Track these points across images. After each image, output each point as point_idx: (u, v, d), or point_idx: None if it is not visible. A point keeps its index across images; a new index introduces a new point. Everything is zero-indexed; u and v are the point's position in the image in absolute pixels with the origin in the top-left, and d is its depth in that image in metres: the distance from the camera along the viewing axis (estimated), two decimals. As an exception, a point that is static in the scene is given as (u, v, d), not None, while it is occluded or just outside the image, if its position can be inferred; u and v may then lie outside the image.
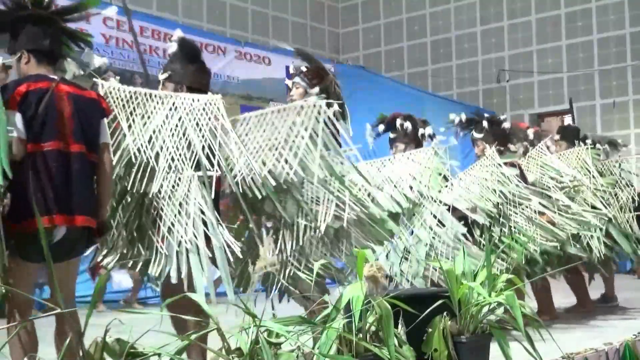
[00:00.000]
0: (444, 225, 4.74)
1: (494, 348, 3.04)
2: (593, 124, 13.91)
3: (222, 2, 14.53)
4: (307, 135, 3.65)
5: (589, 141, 6.78)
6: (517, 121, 7.46)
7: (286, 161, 3.59)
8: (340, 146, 3.93)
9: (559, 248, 5.29)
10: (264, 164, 3.61)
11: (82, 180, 3.07)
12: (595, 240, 5.71)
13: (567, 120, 15.07)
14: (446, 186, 4.94)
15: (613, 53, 13.98)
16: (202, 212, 3.26)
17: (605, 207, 5.88)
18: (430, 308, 2.94)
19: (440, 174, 4.95)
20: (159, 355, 2.16)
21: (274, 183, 3.51)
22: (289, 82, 4.40)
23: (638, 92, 13.75)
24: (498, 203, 5.19)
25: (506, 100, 15.05)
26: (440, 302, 2.97)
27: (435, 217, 4.75)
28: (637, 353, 4.18)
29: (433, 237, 4.68)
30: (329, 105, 3.96)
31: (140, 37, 9.85)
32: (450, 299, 3.02)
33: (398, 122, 5.32)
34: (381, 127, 5.45)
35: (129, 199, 3.48)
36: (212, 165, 3.39)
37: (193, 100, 3.69)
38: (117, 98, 3.67)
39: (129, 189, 3.40)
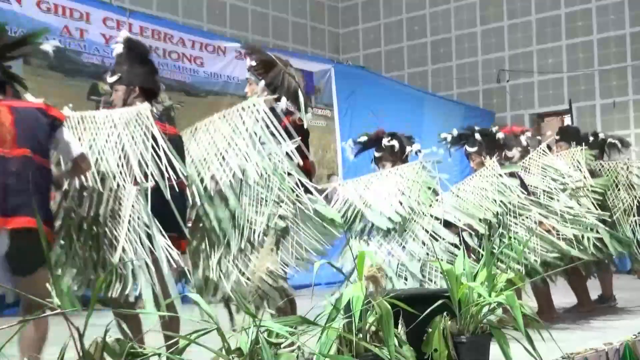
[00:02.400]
0: (436, 240, 4.68)
1: (494, 348, 3.04)
2: (593, 124, 13.90)
3: (222, 2, 14.53)
4: (247, 136, 3.59)
5: (601, 135, 6.79)
6: (510, 125, 7.38)
7: (228, 165, 3.54)
8: (291, 139, 3.80)
9: (560, 258, 5.24)
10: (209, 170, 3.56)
11: (23, 182, 3.03)
12: (590, 241, 5.69)
13: (567, 120, 15.09)
14: (436, 200, 4.89)
15: (613, 53, 13.97)
16: (147, 226, 3.21)
17: (596, 208, 5.85)
18: (430, 308, 2.94)
19: (429, 188, 4.91)
20: (159, 355, 2.16)
21: (211, 191, 3.46)
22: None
23: (638, 92, 13.75)
24: (498, 213, 5.15)
25: (506, 100, 15.04)
26: (440, 302, 2.97)
27: (427, 231, 4.69)
28: (637, 353, 4.18)
29: (427, 253, 4.62)
30: (278, 100, 3.91)
31: (140, 37, 9.85)
32: (450, 299, 3.02)
33: (384, 141, 5.27)
34: (364, 143, 5.43)
35: (84, 225, 3.40)
36: (150, 176, 3.32)
37: (127, 113, 3.65)
38: (70, 126, 3.68)
39: (84, 215, 3.36)
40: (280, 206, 3.51)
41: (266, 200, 3.51)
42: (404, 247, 4.66)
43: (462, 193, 5.31)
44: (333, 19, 16.94)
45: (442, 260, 4.48)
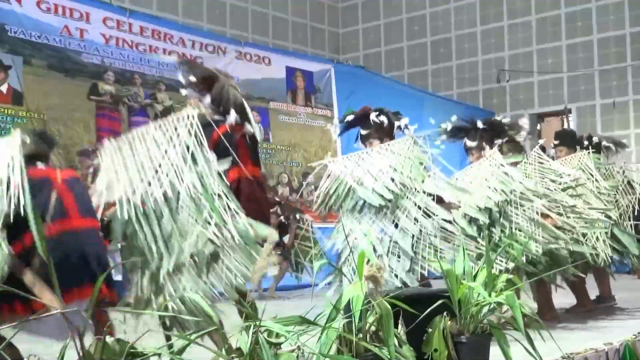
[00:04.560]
0: (429, 216, 4.54)
1: (494, 348, 3.04)
2: (593, 124, 13.91)
3: (222, 2, 14.53)
4: (180, 150, 3.43)
5: (595, 139, 6.76)
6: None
7: (160, 180, 3.38)
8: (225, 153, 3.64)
9: (565, 250, 5.20)
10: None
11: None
12: (600, 243, 5.67)
13: (568, 121, 15.10)
14: (428, 175, 4.73)
15: (613, 53, 13.98)
16: None
17: (610, 210, 5.85)
18: (430, 308, 2.94)
19: (421, 163, 4.76)
20: (159, 355, 2.16)
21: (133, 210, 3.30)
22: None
23: (638, 92, 13.75)
24: (499, 202, 5.07)
25: (506, 100, 15.04)
26: (440, 302, 2.97)
27: (419, 208, 4.54)
28: (637, 353, 4.18)
29: (420, 230, 4.48)
30: (227, 112, 3.81)
31: (140, 37, 9.86)
32: (450, 299, 3.02)
33: (372, 116, 5.13)
34: (349, 118, 5.29)
35: None
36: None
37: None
38: None
39: None
40: (209, 228, 3.30)
41: (196, 221, 3.31)
42: (396, 224, 4.52)
43: (460, 182, 5.22)
44: (333, 19, 16.95)
45: (435, 237, 4.45)
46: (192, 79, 4.02)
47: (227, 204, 3.34)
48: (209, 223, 3.29)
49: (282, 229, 9.71)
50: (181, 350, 2.22)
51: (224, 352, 2.29)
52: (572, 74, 14.34)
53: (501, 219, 5.07)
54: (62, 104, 8.91)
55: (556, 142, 6.73)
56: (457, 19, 15.67)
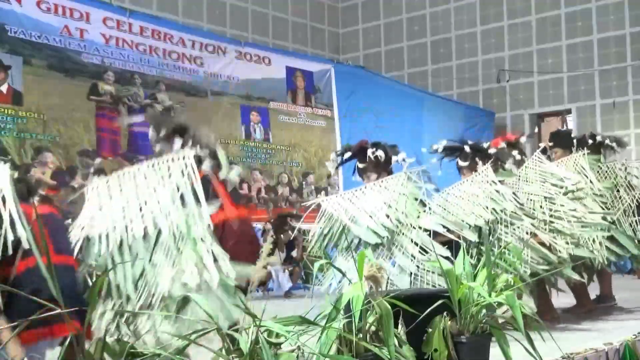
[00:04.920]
0: (426, 252, 4.48)
1: (494, 348, 3.04)
2: (593, 124, 13.91)
3: (222, 2, 14.53)
4: (170, 189, 3.40)
5: (598, 137, 6.76)
6: (509, 131, 7.20)
7: (143, 217, 3.34)
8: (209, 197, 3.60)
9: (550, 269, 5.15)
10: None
11: None
12: (597, 245, 5.67)
13: (568, 120, 15.10)
14: (424, 211, 4.69)
15: (613, 53, 13.98)
16: None
17: (605, 211, 5.85)
18: (430, 308, 2.94)
19: (416, 199, 4.73)
20: (159, 355, 2.16)
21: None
22: None
23: (638, 92, 13.75)
24: (489, 220, 5.01)
25: (506, 100, 15.04)
26: (440, 302, 2.97)
27: (416, 244, 4.49)
28: (637, 353, 4.18)
29: (417, 267, 4.42)
30: (201, 160, 3.74)
31: (140, 37, 9.87)
32: (450, 299, 3.02)
33: (369, 152, 5.09)
34: (347, 155, 5.25)
35: None
36: None
37: None
38: None
39: None
40: (186, 271, 3.19)
41: (174, 263, 3.22)
42: (393, 262, 4.47)
43: (451, 197, 5.18)
44: (333, 19, 16.95)
45: (433, 273, 4.35)
46: (162, 133, 3.98)
47: (211, 248, 3.27)
48: (185, 264, 3.21)
49: (290, 243, 9.90)
50: (181, 350, 2.23)
51: (224, 352, 2.29)
52: (572, 74, 14.34)
53: (490, 238, 5.02)
54: (62, 104, 8.92)
55: (551, 143, 6.71)
56: (457, 19, 15.67)
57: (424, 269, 4.42)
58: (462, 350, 2.98)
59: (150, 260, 3.25)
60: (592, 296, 6.46)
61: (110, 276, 3.23)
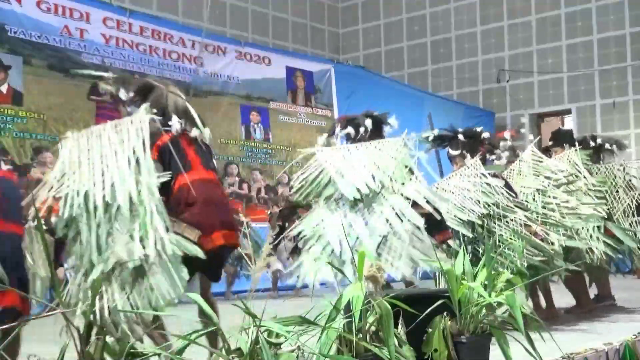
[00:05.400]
0: (401, 220, 4.37)
1: (494, 348, 3.04)
2: (593, 124, 13.92)
3: (222, 2, 14.53)
4: (129, 153, 3.36)
5: (599, 140, 6.76)
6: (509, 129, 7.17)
7: (104, 181, 3.30)
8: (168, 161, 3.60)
9: (548, 262, 5.15)
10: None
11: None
12: (595, 241, 5.69)
13: (568, 120, 15.10)
14: (410, 179, 4.58)
15: (613, 53, 13.98)
16: None
17: (598, 205, 5.84)
18: (431, 308, 2.94)
19: (406, 166, 4.64)
20: (159, 355, 2.16)
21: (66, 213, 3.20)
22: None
23: (638, 92, 13.75)
24: (482, 215, 5.00)
25: (506, 100, 15.05)
26: (440, 302, 2.97)
27: (393, 209, 4.39)
28: (637, 353, 4.18)
29: (388, 232, 4.32)
30: (168, 119, 3.74)
31: (140, 37, 9.87)
32: (450, 299, 3.02)
33: (362, 120, 5.04)
34: (338, 132, 5.16)
35: None
36: None
37: None
38: None
39: None
40: (136, 242, 3.16)
41: (130, 233, 3.19)
42: (366, 221, 4.40)
43: (441, 192, 5.18)
44: (333, 19, 16.95)
45: (404, 241, 4.24)
46: (130, 94, 3.95)
47: (158, 218, 3.24)
48: (140, 236, 3.18)
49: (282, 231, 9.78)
50: (181, 351, 2.22)
51: (224, 352, 2.29)
52: (572, 74, 14.34)
53: (484, 232, 5.00)
54: (62, 104, 8.92)
55: (550, 143, 6.72)
56: (457, 19, 15.67)
57: (395, 235, 4.31)
58: (462, 350, 2.98)
59: (110, 228, 3.21)
60: (592, 296, 6.47)
61: (74, 242, 3.21)
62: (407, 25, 16.29)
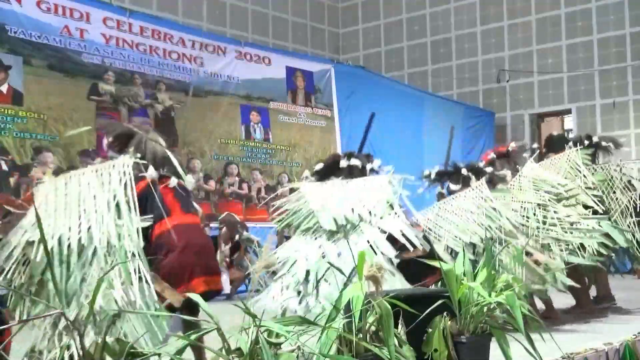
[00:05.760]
0: (375, 253, 4.27)
1: (494, 348, 3.04)
2: (593, 124, 13.91)
3: (222, 2, 14.53)
4: (109, 197, 3.33)
5: (594, 138, 6.74)
6: (489, 150, 6.93)
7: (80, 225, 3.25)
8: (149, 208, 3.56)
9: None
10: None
11: None
12: (594, 243, 5.64)
13: (568, 120, 15.10)
14: (389, 214, 4.57)
15: (613, 53, 13.98)
16: None
17: (597, 205, 5.80)
18: (431, 308, 2.94)
19: (387, 202, 4.64)
20: (159, 355, 2.16)
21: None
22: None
23: (638, 92, 13.75)
24: (484, 238, 4.93)
25: (506, 100, 15.05)
26: (440, 302, 2.97)
27: (368, 242, 4.37)
28: (637, 353, 4.18)
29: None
30: (145, 168, 3.69)
31: (140, 37, 9.87)
32: (450, 299, 3.02)
33: (342, 162, 5.06)
34: (320, 171, 5.19)
35: None
36: None
37: None
38: None
39: None
40: (116, 288, 3.09)
41: (109, 279, 3.10)
42: (339, 252, 4.38)
43: (443, 212, 5.17)
44: (333, 19, 16.95)
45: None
46: (109, 139, 3.92)
47: (139, 265, 3.18)
48: (117, 283, 3.11)
49: (233, 248, 9.67)
50: (181, 351, 2.23)
51: (224, 352, 2.29)
52: (572, 74, 14.34)
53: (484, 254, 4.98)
54: (62, 104, 8.92)
55: (545, 149, 6.69)
56: (457, 19, 15.67)
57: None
58: (462, 350, 2.98)
59: (85, 272, 3.16)
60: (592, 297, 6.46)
61: (41, 288, 3.14)
62: (407, 25, 16.29)
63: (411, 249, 4.39)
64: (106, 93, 9.38)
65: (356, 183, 4.84)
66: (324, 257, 4.33)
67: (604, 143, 6.75)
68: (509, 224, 5.15)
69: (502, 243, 5.04)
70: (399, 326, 2.81)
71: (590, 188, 5.93)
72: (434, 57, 15.95)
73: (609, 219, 5.99)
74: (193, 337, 2.29)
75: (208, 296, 3.65)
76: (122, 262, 3.12)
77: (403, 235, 4.39)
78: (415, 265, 4.42)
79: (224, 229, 9.64)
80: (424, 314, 2.88)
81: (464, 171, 5.62)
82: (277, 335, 2.38)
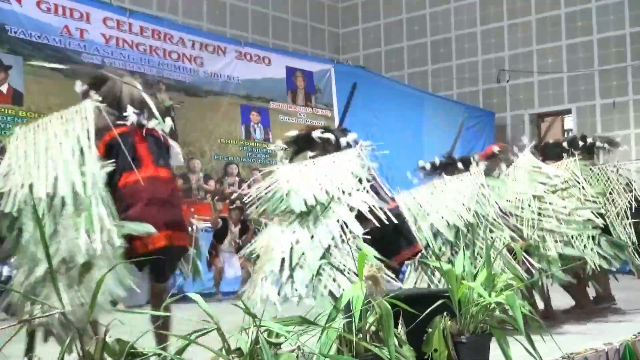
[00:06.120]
0: (344, 232, 4.14)
1: (494, 348, 3.04)
2: (593, 124, 13.92)
3: (222, 2, 14.53)
4: (74, 143, 3.27)
5: (589, 139, 6.72)
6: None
7: (47, 175, 3.20)
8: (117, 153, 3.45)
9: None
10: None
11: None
12: (588, 250, 5.60)
13: (567, 121, 15.11)
14: (358, 189, 4.36)
15: (613, 53, 13.98)
16: None
17: (597, 217, 5.73)
18: (431, 308, 2.94)
19: (356, 177, 4.42)
20: (159, 355, 2.16)
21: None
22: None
23: (638, 92, 13.75)
24: (469, 222, 4.92)
25: (506, 100, 15.05)
26: (440, 302, 2.97)
27: (338, 221, 4.19)
28: (637, 353, 4.18)
29: (332, 246, 4.11)
30: (123, 109, 3.61)
31: (140, 37, 9.87)
32: (450, 299, 3.02)
33: (315, 134, 4.85)
34: (295, 140, 4.99)
35: None
36: None
37: None
38: None
39: None
40: (84, 236, 3.06)
41: (76, 227, 3.08)
42: (312, 235, 4.22)
43: (436, 191, 5.14)
44: (333, 19, 16.95)
45: (348, 254, 4.00)
46: (83, 87, 3.78)
47: (104, 211, 3.13)
48: (87, 229, 3.08)
49: (242, 230, 9.58)
50: (181, 350, 2.22)
51: (224, 352, 2.29)
52: (572, 74, 14.34)
53: (465, 241, 4.91)
54: (62, 104, 8.86)
55: (541, 158, 6.66)
56: (457, 19, 15.68)
57: (335, 246, 4.11)
58: (462, 350, 2.98)
59: (55, 223, 3.12)
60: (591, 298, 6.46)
61: (16, 239, 3.11)
62: (407, 25, 16.29)
63: (377, 224, 4.17)
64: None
65: (325, 160, 4.62)
66: (298, 242, 4.18)
67: (599, 143, 6.73)
68: (494, 213, 5.09)
69: (488, 231, 4.99)
70: (399, 326, 2.81)
71: (588, 200, 5.87)
72: (434, 57, 15.95)
73: (607, 230, 5.95)
74: (193, 337, 2.28)
75: (172, 252, 3.59)
76: (87, 208, 3.06)
77: (370, 211, 4.20)
78: (390, 238, 4.35)
79: (235, 211, 9.64)
80: (424, 314, 2.88)
81: (459, 165, 5.58)
82: (277, 335, 2.38)
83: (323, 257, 4.05)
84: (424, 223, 5.07)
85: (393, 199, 4.76)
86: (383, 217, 4.18)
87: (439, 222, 5.03)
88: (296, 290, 3.97)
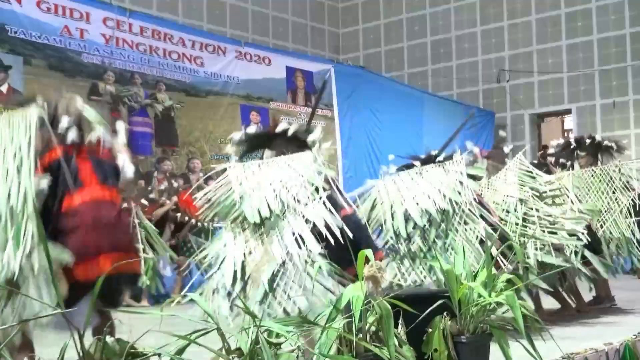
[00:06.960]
0: (299, 247, 3.81)
1: (494, 348, 3.04)
2: (593, 124, 13.91)
3: (222, 2, 14.52)
4: (12, 151, 3.17)
5: (597, 137, 6.72)
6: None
7: None
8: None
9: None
10: None
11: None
12: (572, 255, 5.56)
13: (567, 121, 15.10)
14: (314, 199, 4.02)
15: (613, 53, 13.97)
16: None
17: (583, 234, 5.62)
18: (430, 308, 2.94)
19: (312, 184, 4.06)
20: (159, 355, 2.16)
21: None
22: None
23: (638, 92, 13.74)
24: (442, 210, 4.80)
25: (506, 100, 15.04)
26: (440, 302, 2.97)
27: (293, 234, 3.88)
28: (637, 353, 4.18)
29: (284, 260, 3.81)
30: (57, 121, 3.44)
31: (140, 37, 9.87)
32: (450, 299, 3.02)
33: (280, 126, 4.55)
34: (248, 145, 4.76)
35: None
36: None
37: None
38: None
39: None
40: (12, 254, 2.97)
41: (15, 238, 2.99)
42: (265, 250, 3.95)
43: (416, 177, 5.04)
44: (333, 19, 16.94)
45: (305, 272, 3.70)
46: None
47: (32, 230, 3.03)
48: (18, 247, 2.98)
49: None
50: (181, 350, 2.22)
51: (224, 352, 2.29)
52: (572, 74, 14.33)
53: (437, 230, 4.78)
54: (62, 104, 8.91)
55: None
56: (457, 19, 15.67)
57: (293, 264, 3.79)
58: (462, 350, 2.98)
59: None
60: (589, 298, 6.46)
61: None
62: (407, 25, 16.29)
63: (332, 240, 3.77)
64: (106, 93, 9.38)
65: (280, 163, 4.29)
66: (251, 254, 3.92)
67: (606, 143, 6.74)
68: (469, 205, 4.94)
69: (460, 223, 4.85)
70: (399, 326, 2.81)
71: (578, 217, 5.78)
72: (434, 57, 15.94)
73: (597, 240, 5.93)
74: (193, 337, 2.28)
75: (120, 280, 3.45)
76: (18, 224, 2.99)
77: (326, 226, 3.84)
78: (347, 249, 3.80)
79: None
80: (424, 314, 2.88)
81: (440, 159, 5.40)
82: (277, 335, 2.38)
83: (277, 272, 3.78)
84: (400, 209, 4.92)
85: (351, 205, 4.34)
86: (338, 233, 3.79)
87: (413, 208, 4.87)
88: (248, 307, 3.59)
